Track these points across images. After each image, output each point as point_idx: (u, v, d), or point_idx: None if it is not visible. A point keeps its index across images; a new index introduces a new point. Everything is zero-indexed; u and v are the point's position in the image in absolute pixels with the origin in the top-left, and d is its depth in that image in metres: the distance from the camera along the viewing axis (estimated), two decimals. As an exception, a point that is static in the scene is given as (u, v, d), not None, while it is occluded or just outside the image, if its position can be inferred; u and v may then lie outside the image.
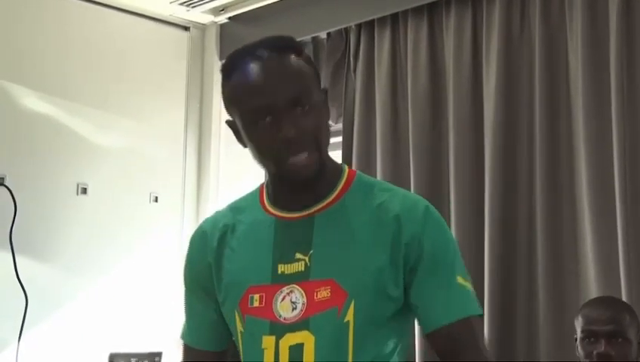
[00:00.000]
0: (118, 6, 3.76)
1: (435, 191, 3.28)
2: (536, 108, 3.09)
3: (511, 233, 3.11)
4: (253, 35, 3.86)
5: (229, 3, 3.83)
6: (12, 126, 3.41)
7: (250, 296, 1.41)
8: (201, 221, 4.02)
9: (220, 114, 4.02)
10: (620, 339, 2.20)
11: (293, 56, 1.40)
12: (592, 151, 2.93)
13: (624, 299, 2.74)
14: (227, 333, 1.52)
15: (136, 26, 3.85)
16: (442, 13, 3.37)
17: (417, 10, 3.43)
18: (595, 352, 2.20)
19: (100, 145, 3.68)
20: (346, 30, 3.67)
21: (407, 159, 3.42)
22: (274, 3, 3.77)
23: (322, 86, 1.48)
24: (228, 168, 3.98)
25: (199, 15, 3.96)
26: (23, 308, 3.17)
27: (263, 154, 1.40)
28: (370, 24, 3.58)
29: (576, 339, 2.42)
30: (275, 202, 1.48)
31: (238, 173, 3.85)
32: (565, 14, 3.05)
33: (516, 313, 3.08)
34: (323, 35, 3.74)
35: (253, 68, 1.37)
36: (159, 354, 3.47)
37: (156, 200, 3.82)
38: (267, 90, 1.36)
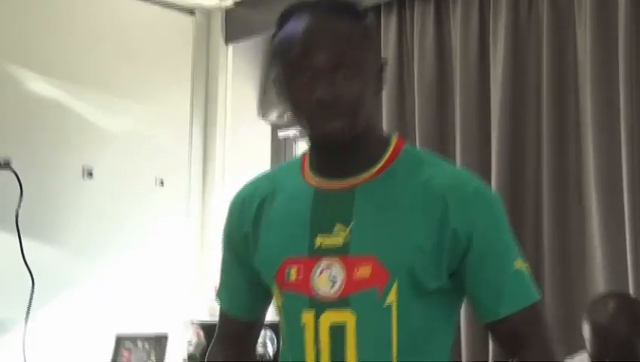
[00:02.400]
0: (124, -9, 3.81)
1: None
2: (544, 95, 3.05)
3: (518, 223, 3.01)
4: (258, 18, 3.86)
5: (234, -13, 3.89)
6: (18, 110, 3.38)
7: (287, 269, 1.33)
8: (209, 203, 4.03)
9: (225, 98, 4.05)
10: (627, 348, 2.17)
11: (348, 20, 1.30)
12: (600, 139, 2.89)
13: (631, 289, 2.70)
14: (259, 304, 1.48)
15: (142, 10, 3.81)
16: (449, -1, 3.41)
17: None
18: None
19: (106, 129, 3.66)
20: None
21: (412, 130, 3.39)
22: (279, -13, 3.70)
23: (382, 57, 1.39)
24: (234, 152, 3.98)
25: (204, -1, 4.04)
26: (30, 290, 3.12)
27: (296, 114, 1.32)
28: (376, 8, 3.53)
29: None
30: (317, 169, 1.38)
31: (245, 156, 3.92)
32: (574, -1, 3.08)
33: None
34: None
35: (302, 23, 1.30)
36: (165, 336, 3.48)
37: (162, 183, 3.80)
38: (310, 45, 1.28)
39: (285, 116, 4.02)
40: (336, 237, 1.30)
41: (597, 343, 2.16)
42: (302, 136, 4.01)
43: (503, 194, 3.05)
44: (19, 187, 3.17)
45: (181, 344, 3.53)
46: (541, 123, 3.05)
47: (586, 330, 2.31)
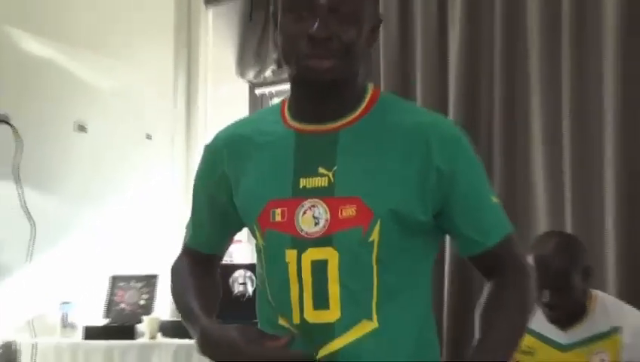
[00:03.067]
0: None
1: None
2: (497, 52, 3.08)
3: None
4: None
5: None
6: (16, 69, 3.35)
7: (271, 210, 1.28)
8: (192, 155, 4.02)
9: (206, 58, 4.03)
10: (564, 290, 2.21)
11: None
12: (545, 90, 2.95)
13: (569, 227, 2.80)
14: (223, 240, 1.45)
15: None
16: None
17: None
18: (542, 299, 2.21)
19: (98, 88, 3.64)
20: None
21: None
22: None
23: (379, 14, 1.34)
24: (215, 108, 3.99)
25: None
26: (32, 235, 3.18)
27: (287, 48, 1.26)
28: None
29: None
30: (297, 114, 1.32)
31: (225, 112, 3.85)
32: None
33: None
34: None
35: None
36: (155, 276, 3.50)
37: (150, 137, 3.82)
38: None
39: (262, 75, 4.00)
40: (321, 179, 1.26)
41: (539, 274, 2.22)
42: (277, 94, 3.98)
43: None
44: (18, 140, 3.18)
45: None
46: (493, 83, 3.08)
47: (530, 263, 2.49)
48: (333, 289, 1.24)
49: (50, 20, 3.50)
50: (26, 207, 3.21)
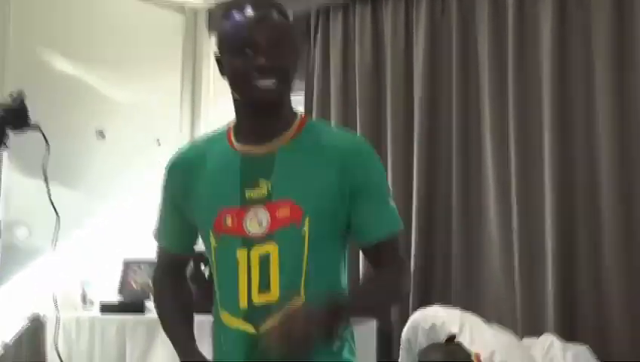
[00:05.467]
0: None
1: (375, 135, 3.36)
2: (454, 68, 3.19)
3: (432, 171, 3.20)
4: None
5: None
6: (46, 84, 3.43)
7: (224, 217, 1.37)
8: None
9: (209, 69, 4.07)
10: None
11: (276, 12, 1.38)
12: (494, 99, 3.04)
13: (515, 254, 2.87)
14: (191, 241, 1.52)
15: (144, 9, 3.92)
16: (382, 2, 3.46)
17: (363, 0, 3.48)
18: None
19: (115, 99, 3.72)
20: (308, 14, 3.68)
21: (354, 108, 3.48)
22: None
23: (298, 45, 1.44)
24: (217, 115, 4.00)
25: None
26: (57, 225, 3.08)
27: (236, 78, 1.35)
28: (326, 10, 3.64)
29: None
30: (240, 136, 1.41)
31: (226, 119, 3.84)
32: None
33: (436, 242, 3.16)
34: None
35: (247, 12, 1.36)
36: None
37: (159, 143, 3.90)
38: (252, 28, 1.35)
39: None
40: (261, 190, 1.36)
41: None
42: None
43: (423, 147, 3.17)
44: (46, 144, 3.10)
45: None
46: (452, 93, 3.16)
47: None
48: (274, 275, 1.34)
49: (75, 41, 3.59)
50: (51, 200, 3.10)
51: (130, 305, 3.34)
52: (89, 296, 3.42)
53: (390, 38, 3.39)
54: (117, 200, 3.65)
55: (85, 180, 3.54)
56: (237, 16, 1.36)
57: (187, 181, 1.43)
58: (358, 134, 1.54)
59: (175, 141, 4.01)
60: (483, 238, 3.05)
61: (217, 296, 1.41)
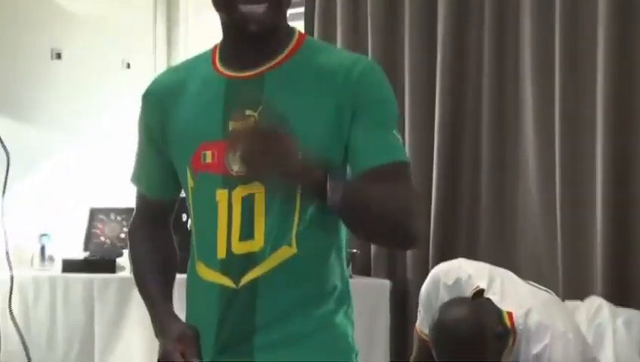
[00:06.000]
0: None
1: (389, 62, 3.15)
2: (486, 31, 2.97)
3: (457, 135, 3.08)
4: None
5: None
6: None
7: (203, 152, 1.32)
8: None
9: None
10: None
11: None
12: (538, 77, 2.83)
13: (557, 203, 2.74)
14: (174, 183, 1.42)
15: None
16: None
17: None
18: None
19: (74, 13, 3.57)
20: None
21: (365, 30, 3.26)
22: None
23: None
24: (196, 36, 3.83)
25: None
26: (6, 166, 3.04)
27: None
28: None
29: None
30: (227, 60, 1.35)
31: (206, 39, 3.67)
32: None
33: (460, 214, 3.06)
34: None
35: None
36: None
37: (128, 66, 3.72)
38: None
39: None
40: (247, 121, 1.29)
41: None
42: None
43: (447, 104, 3.04)
44: None
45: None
46: (483, 46, 2.98)
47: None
48: (259, 221, 1.28)
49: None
50: (-1, 135, 3.06)
51: (99, 262, 3.22)
52: (49, 252, 3.35)
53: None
54: (80, 136, 3.57)
55: (40, 111, 3.44)
56: None
57: (164, 111, 1.38)
58: (366, 56, 1.58)
59: (147, 64, 3.86)
60: (517, 179, 2.95)
61: (193, 244, 1.36)
